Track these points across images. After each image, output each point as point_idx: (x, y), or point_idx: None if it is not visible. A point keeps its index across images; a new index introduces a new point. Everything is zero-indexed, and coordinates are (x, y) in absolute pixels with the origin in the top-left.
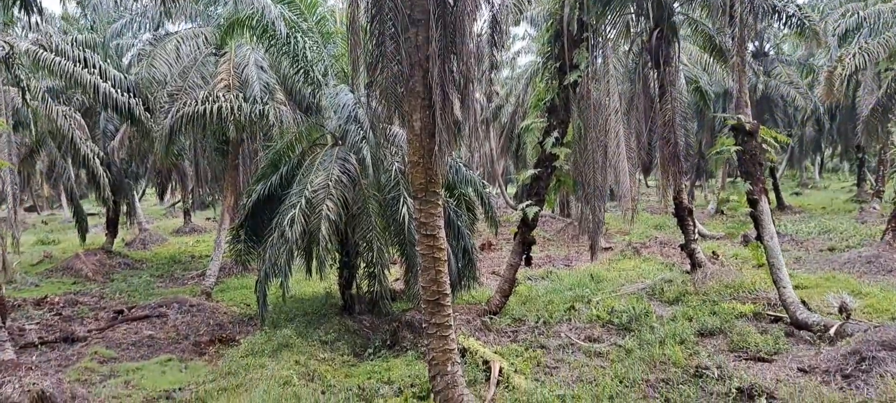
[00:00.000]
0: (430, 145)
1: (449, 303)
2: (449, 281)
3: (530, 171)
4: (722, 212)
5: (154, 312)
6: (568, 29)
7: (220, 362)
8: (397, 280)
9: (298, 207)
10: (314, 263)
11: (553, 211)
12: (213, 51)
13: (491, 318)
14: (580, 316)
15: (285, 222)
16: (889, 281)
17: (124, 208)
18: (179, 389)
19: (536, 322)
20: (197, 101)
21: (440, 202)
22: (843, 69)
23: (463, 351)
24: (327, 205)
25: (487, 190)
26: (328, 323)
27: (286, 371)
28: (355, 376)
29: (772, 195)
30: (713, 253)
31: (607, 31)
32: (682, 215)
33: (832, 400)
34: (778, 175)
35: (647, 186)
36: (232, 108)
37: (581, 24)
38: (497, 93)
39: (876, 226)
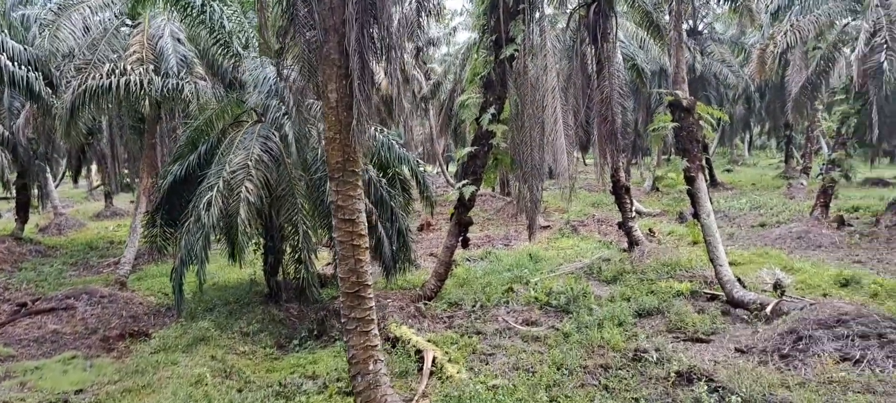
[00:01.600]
0: (348, 119)
1: (370, 295)
2: (370, 271)
3: (467, 149)
4: (658, 190)
5: (61, 304)
6: (504, 0)
7: (129, 359)
8: (328, 264)
9: (216, 189)
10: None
11: (494, 190)
12: (127, 22)
13: (426, 304)
14: (518, 298)
15: (201, 205)
16: (819, 256)
17: (36, 191)
18: (78, 391)
19: (473, 306)
20: (102, 75)
21: (359, 182)
22: (775, 47)
23: (395, 341)
24: (246, 187)
25: (422, 168)
26: (251, 312)
27: (199, 369)
28: (278, 370)
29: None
30: (650, 230)
31: (544, 3)
32: (620, 193)
33: (771, 382)
34: (710, 152)
35: (585, 164)
36: (141, 83)
37: None
38: (435, 71)
39: (804, 202)
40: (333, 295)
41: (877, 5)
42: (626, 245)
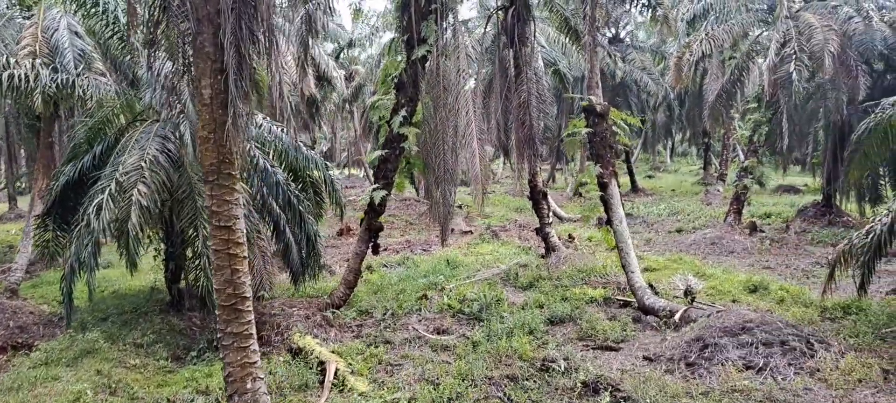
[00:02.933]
0: (223, 117)
1: (249, 309)
2: (249, 282)
3: (377, 153)
4: (580, 195)
5: None
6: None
7: (5, 374)
8: None
9: (107, 192)
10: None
11: (417, 193)
12: (24, 14)
13: (334, 312)
14: (432, 306)
15: (91, 209)
16: (730, 262)
17: None
18: None
19: (384, 314)
20: None
21: (237, 186)
22: (690, 55)
23: (298, 351)
24: (140, 190)
25: (332, 171)
26: (149, 322)
27: (80, 385)
28: (170, 384)
29: (626, 178)
30: (569, 236)
31: (457, 3)
32: (537, 198)
33: (675, 391)
34: (633, 159)
35: (512, 169)
36: (26, 77)
37: None
38: (359, 72)
39: (719, 208)
40: None
41: (786, 17)
42: (544, 251)
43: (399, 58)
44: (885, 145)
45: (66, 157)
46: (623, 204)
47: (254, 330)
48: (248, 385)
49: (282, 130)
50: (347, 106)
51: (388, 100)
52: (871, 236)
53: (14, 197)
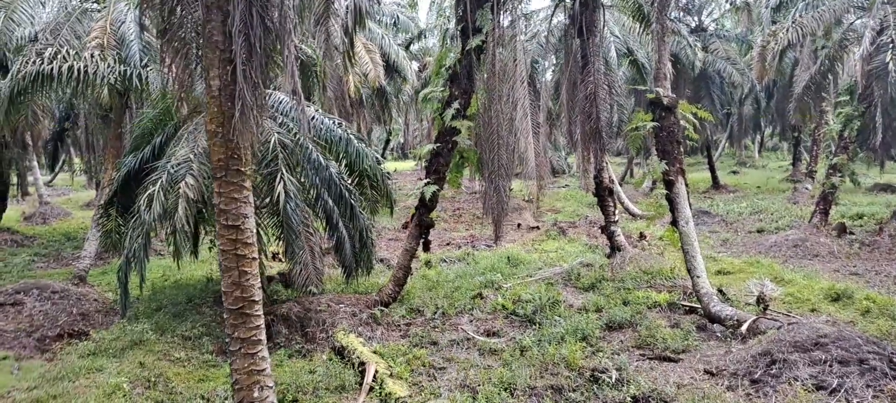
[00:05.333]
0: (231, 110)
1: (259, 313)
2: (258, 284)
3: (428, 147)
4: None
5: (9, 299)
6: None
7: (54, 364)
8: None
9: (159, 184)
10: (199, 244)
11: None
12: (95, 5)
13: (382, 310)
14: (485, 306)
15: (143, 201)
16: (813, 267)
17: (16, 180)
18: None
19: (434, 313)
20: (43, 60)
21: (246, 183)
22: (776, 44)
23: (341, 350)
24: (187, 182)
25: (383, 166)
26: (200, 314)
27: (119, 378)
28: (211, 379)
29: (707, 174)
30: (640, 234)
31: None
32: (603, 195)
33: None
34: (716, 154)
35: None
36: (86, 70)
37: None
38: (430, 63)
39: (806, 208)
40: (296, 296)
41: (883, 2)
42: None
43: (452, 49)
44: None
45: (129, 148)
46: (702, 201)
47: (263, 336)
48: (255, 394)
49: (336, 123)
50: (419, 97)
51: (441, 92)
52: None
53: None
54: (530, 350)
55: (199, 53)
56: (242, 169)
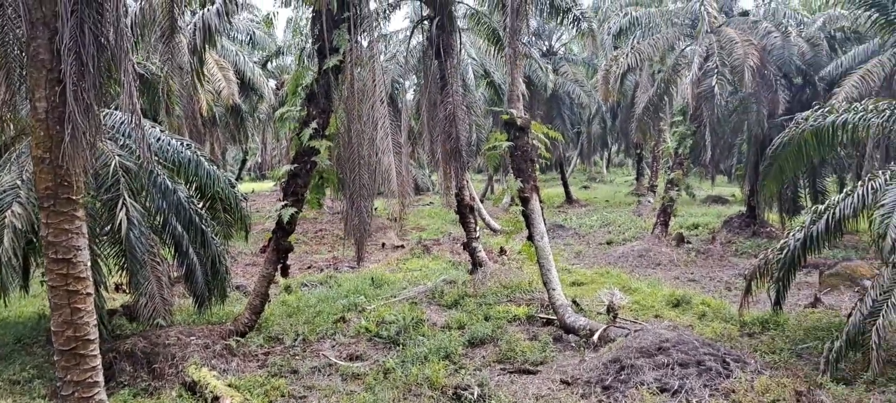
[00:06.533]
0: (60, 135)
1: (94, 352)
2: (94, 321)
3: (286, 167)
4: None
5: None
6: (328, 7)
7: None
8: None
9: None
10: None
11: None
12: None
13: (238, 340)
14: (348, 329)
15: None
16: (656, 275)
17: None
18: None
19: (295, 340)
20: None
21: (79, 213)
22: (617, 68)
23: (192, 386)
24: (14, 211)
25: (236, 189)
26: (30, 355)
27: None
28: None
29: (561, 189)
30: (501, 249)
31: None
32: (464, 212)
33: None
34: (569, 170)
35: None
36: None
37: (342, 3)
38: (285, 83)
39: (649, 219)
40: (142, 329)
41: (708, 31)
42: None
43: (309, 68)
44: (799, 159)
45: None
46: (557, 216)
47: (100, 378)
48: None
49: (185, 144)
50: (276, 116)
51: (298, 111)
52: (785, 252)
53: None
54: (394, 372)
55: (25, 73)
56: (74, 197)
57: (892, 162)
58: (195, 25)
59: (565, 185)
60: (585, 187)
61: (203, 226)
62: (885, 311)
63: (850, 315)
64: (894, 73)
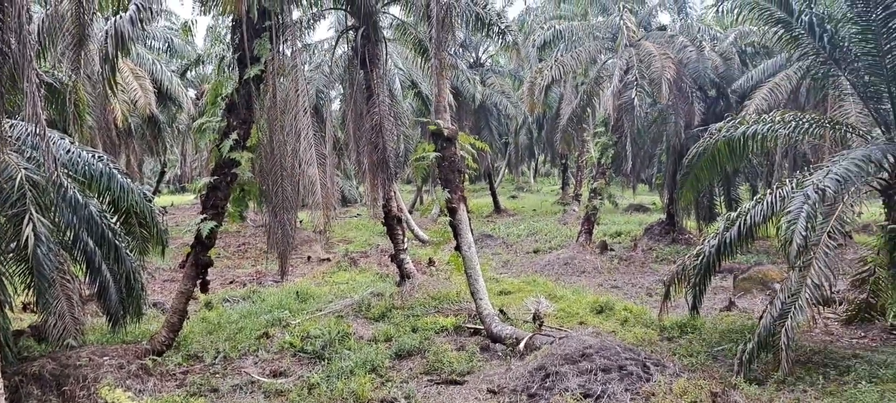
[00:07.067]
0: None
1: None
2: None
3: (205, 180)
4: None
5: None
6: (248, 16)
7: None
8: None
9: None
10: None
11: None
12: None
13: (154, 359)
14: (272, 345)
15: None
16: (581, 282)
17: None
18: None
19: (215, 357)
20: None
21: None
22: (542, 80)
23: None
24: None
25: (152, 202)
26: None
27: None
28: None
29: (489, 199)
30: (430, 260)
31: (293, 21)
32: (392, 224)
33: None
34: (497, 180)
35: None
36: None
37: (263, 12)
38: (205, 93)
39: (574, 228)
40: (51, 351)
41: (627, 45)
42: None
43: (230, 78)
44: (714, 168)
45: None
46: (486, 225)
47: None
48: None
49: (96, 156)
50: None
51: (218, 122)
52: (701, 258)
53: None
54: (318, 388)
55: None
56: None
57: (798, 170)
58: (107, 32)
59: (494, 195)
60: (514, 197)
61: (117, 242)
62: (793, 313)
63: (761, 317)
64: (800, 86)
